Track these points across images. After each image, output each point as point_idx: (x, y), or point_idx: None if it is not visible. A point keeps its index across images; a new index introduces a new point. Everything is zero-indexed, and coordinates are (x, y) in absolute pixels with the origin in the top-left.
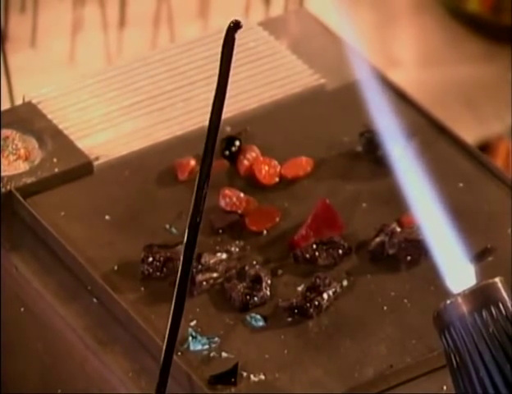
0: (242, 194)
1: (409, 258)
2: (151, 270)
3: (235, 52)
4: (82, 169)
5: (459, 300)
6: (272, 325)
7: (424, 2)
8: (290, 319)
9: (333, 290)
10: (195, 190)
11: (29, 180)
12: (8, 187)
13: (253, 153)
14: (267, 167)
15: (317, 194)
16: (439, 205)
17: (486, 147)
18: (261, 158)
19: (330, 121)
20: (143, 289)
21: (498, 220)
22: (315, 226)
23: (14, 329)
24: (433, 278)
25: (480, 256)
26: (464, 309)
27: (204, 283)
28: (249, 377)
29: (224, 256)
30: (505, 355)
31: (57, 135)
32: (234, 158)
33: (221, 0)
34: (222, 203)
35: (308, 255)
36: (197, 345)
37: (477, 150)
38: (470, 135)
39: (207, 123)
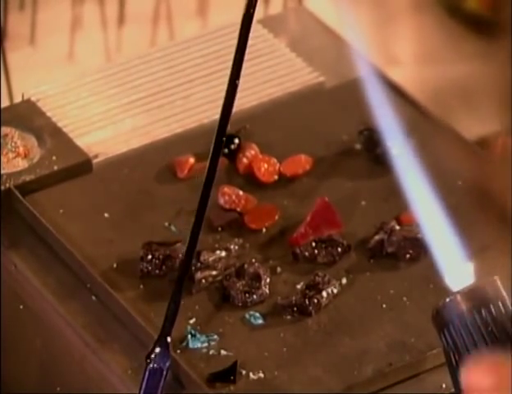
0: (241, 192)
1: (408, 256)
2: (150, 268)
3: (232, 49)
4: (81, 167)
5: (459, 298)
6: (271, 323)
7: (423, 0)
8: (289, 317)
9: (332, 288)
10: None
11: (28, 177)
12: (7, 185)
13: (252, 151)
14: (266, 165)
15: (317, 192)
16: (438, 203)
17: (484, 144)
18: (260, 156)
19: (329, 118)
20: (142, 287)
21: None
22: (314, 224)
23: (13, 327)
24: (432, 276)
25: (479, 254)
26: (463, 307)
27: (203, 281)
28: (248, 376)
29: (223, 254)
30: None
31: (56, 133)
32: (233, 156)
33: None
34: (221, 200)
35: (307, 253)
36: (196, 343)
37: (476, 148)
38: (469, 132)
39: (206, 121)
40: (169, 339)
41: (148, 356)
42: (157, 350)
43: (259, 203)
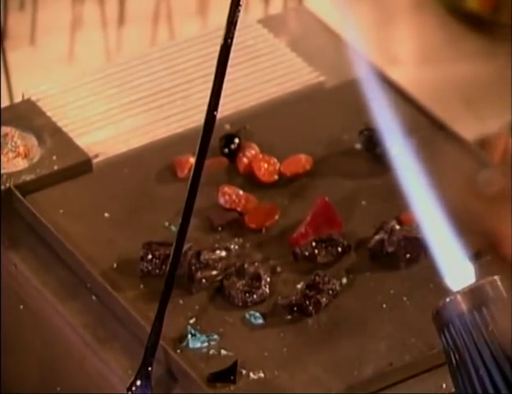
0: (241, 192)
1: (408, 255)
2: (150, 268)
3: (234, 48)
4: (81, 167)
5: (459, 297)
6: (272, 323)
7: (423, 0)
8: (289, 317)
9: (332, 287)
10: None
11: (28, 177)
12: (7, 184)
13: (252, 151)
14: (266, 165)
15: (317, 192)
16: (438, 203)
17: (484, 144)
18: (260, 156)
19: (329, 118)
20: (142, 286)
21: None
22: (314, 223)
23: (13, 327)
24: (432, 276)
25: (479, 254)
26: (464, 306)
27: (203, 281)
28: (248, 375)
29: (223, 254)
30: (504, 353)
31: (57, 133)
32: (233, 156)
33: None
34: (221, 200)
35: (307, 253)
36: (196, 343)
37: (476, 147)
38: (469, 132)
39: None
40: (150, 369)
41: (130, 388)
42: (138, 382)
43: (259, 203)
